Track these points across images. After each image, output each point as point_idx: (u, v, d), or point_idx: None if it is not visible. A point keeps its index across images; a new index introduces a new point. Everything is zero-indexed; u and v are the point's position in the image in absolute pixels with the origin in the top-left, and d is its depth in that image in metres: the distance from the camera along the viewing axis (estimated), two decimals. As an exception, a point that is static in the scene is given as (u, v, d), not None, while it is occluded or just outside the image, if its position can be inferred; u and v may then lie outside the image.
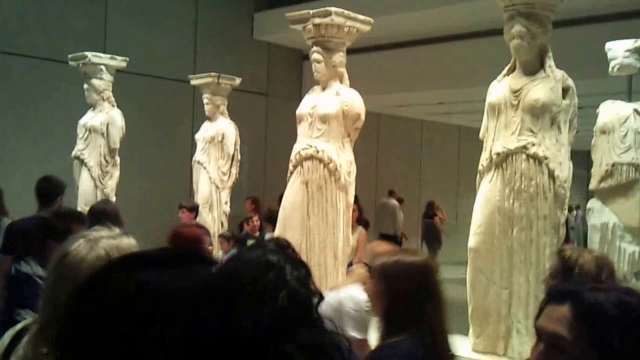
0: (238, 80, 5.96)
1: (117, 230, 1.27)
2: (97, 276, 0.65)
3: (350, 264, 4.92)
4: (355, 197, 4.03)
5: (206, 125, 5.87)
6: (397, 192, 9.45)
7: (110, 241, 1.21)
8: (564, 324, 0.83)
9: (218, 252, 5.22)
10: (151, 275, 0.63)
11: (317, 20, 3.72)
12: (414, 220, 10.43)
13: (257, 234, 5.67)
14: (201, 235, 2.60)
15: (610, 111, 4.09)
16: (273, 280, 1.10)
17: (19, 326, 1.31)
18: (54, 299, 1.14)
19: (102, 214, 3.32)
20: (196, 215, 5.58)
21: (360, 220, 5.17)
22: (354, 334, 2.27)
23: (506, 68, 3.29)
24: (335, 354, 1.12)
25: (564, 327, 0.83)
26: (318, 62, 3.78)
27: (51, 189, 3.44)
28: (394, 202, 9.38)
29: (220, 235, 5.27)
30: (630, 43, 4.07)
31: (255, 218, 5.83)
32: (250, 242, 5.57)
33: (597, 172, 4.10)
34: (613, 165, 3.99)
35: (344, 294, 2.33)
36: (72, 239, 1.23)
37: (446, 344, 1.54)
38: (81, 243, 1.19)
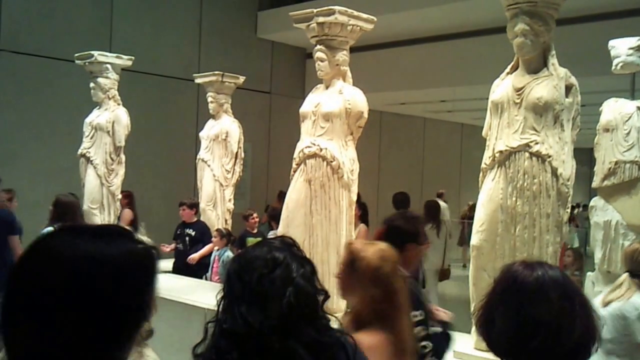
0: (242, 79, 5.98)
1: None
2: (36, 244, 0.79)
3: None
4: (358, 195, 4.05)
5: (210, 123, 5.89)
6: (445, 194, 10.14)
7: None
8: None
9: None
10: (84, 243, 0.78)
11: (320, 19, 3.73)
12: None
13: (256, 231, 5.72)
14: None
15: (614, 109, 4.09)
16: (280, 277, 1.12)
17: None
18: None
19: (66, 207, 3.69)
20: (196, 212, 5.61)
21: (363, 218, 5.19)
22: None
23: (509, 66, 3.29)
24: (340, 353, 1.14)
25: None
26: (321, 60, 3.80)
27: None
28: (443, 203, 10.13)
29: (217, 230, 5.30)
30: (633, 41, 4.06)
31: (255, 215, 5.86)
32: (250, 239, 5.61)
33: (600, 170, 4.10)
34: (616, 163, 4.00)
35: (625, 304, 2.45)
36: None
37: None
38: None
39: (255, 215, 5.86)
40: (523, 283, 1.11)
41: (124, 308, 0.77)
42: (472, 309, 3.27)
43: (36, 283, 0.75)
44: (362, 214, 5.18)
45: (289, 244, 1.22)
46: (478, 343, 3.25)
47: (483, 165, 3.28)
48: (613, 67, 4.14)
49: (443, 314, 2.27)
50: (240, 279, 1.12)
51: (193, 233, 5.47)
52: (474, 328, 3.33)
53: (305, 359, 1.08)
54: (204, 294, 3.97)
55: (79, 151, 5.41)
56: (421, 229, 2.46)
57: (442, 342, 2.20)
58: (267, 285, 1.11)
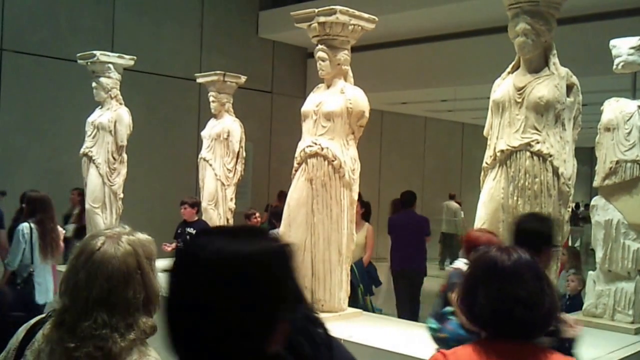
0: (243, 78, 5.99)
1: (127, 227, 1.31)
2: (193, 248, 0.86)
3: (360, 260, 4.98)
4: (360, 195, 4.06)
5: (212, 122, 5.91)
6: (456, 195, 10.61)
7: (130, 237, 1.25)
8: None
9: None
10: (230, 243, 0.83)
11: (322, 19, 3.74)
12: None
13: None
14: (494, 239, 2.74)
15: (615, 108, 4.10)
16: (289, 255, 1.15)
17: (32, 321, 1.33)
18: (85, 295, 1.18)
19: (37, 203, 3.90)
20: (198, 211, 5.63)
21: (365, 216, 5.21)
22: None
23: (510, 65, 3.30)
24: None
25: None
26: (323, 60, 3.81)
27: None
28: (455, 204, 10.42)
29: None
30: (634, 40, 4.06)
31: (257, 215, 5.88)
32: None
33: (601, 169, 4.11)
34: (617, 162, 4.00)
35: None
36: (90, 238, 1.26)
37: None
38: (105, 241, 1.23)
39: (257, 214, 5.88)
40: (502, 266, 1.34)
41: (266, 302, 0.81)
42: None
43: (187, 284, 0.82)
44: (365, 212, 5.20)
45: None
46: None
47: (484, 165, 3.29)
48: (614, 67, 4.14)
49: (572, 329, 2.21)
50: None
51: (194, 232, 5.49)
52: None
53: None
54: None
55: (81, 150, 5.43)
56: (555, 230, 2.40)
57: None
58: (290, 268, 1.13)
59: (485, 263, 1.37)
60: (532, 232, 2.29)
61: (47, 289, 4.17)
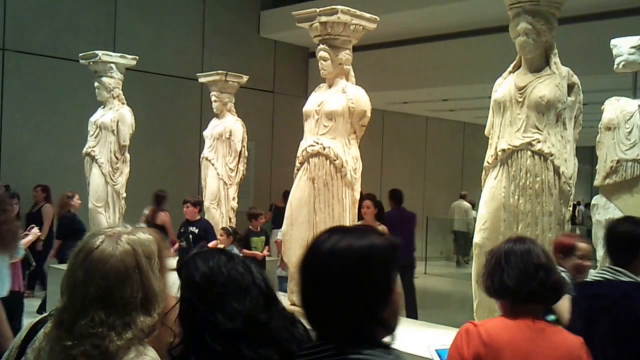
0: (245, 78, 6.01)
1: (129, 227, 1.31)
2: (315, 244, 1.09)
3: None
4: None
5: (214, 122, 5.93)
6: (467, 195, 10.84)
7: (131, 236, 1.25)
8: None
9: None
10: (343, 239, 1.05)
11: (323, 18, 3.76)
12: (420, 218, 10.51)
13: (259, 229, 5.75)
14: (575, 243, 2.75)
15: (615, 107, 4.10)
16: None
17: (35, 320, 1.34)
18: (82, 293, 1.18)
19: None
20: (200, 210, 5.65)
21: (379, 217, 5.18)
22: None
23: (511, 65, 3.31)
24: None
25: None
26: (324, 59, 3.83)
27: None
28: (466, 204, 10.56)
29: (223, 229, 5.33)
30: (635, 40, 4.07)
31: (263, 215, 5.91)
32: (254, 239, 5.65)
33: (602, 168, 4.11)
34: (618, 161, 4.00)
35: None
36: (90, 236, 1.26)
37: None
38: (104, 239, 1.23)
39: (262, 215, 5.92)
40: (517, 248, 1.70)
41: (374, 286, 1.02)
42: (474, 306, 3.30)
43: (312, 273, 1.06)
44: (379, 212, 5.17)
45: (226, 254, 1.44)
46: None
47: (485, 164, 3.30)
48: (615, 66, 4.15)
49: None
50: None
51: (196, 231, 5.50)
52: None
53: None
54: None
55: (84, 150, 5.45)
56: None
57: None
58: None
59: (502, 249, 1.71)
60: (628, 235, 2.22)
61: None
